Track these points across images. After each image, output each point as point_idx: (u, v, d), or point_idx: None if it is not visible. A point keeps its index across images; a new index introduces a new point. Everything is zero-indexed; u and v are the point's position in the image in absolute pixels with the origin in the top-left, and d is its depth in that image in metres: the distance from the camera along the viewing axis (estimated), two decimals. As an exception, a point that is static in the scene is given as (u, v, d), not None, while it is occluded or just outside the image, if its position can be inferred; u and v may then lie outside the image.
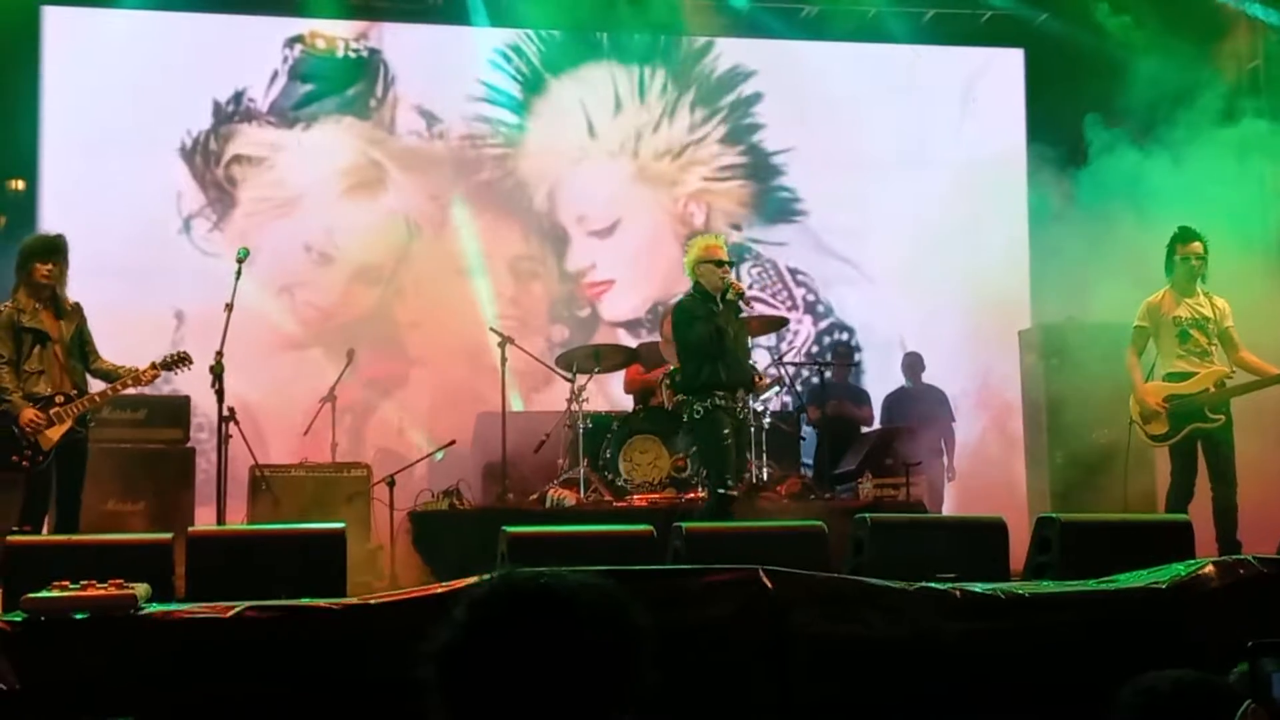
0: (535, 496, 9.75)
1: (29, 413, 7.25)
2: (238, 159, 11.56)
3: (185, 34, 11.53)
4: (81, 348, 7.57)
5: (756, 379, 8.55)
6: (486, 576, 2.10)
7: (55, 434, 7.31)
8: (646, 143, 12.29)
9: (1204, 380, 8.32)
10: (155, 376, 7.62)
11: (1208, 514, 7.88)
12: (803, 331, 12.55)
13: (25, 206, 10.97)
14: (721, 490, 7.99)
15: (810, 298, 12.63)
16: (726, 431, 8.01)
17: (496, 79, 12.01)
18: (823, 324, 12.62)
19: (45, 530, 7.34)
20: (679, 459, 9.73)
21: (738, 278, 9.55)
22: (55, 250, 7.53)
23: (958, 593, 4.92)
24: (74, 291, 7.68)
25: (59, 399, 7.36)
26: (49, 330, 7.43)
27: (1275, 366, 8.44)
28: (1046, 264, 11.48)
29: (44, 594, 4.41)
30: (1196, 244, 8.41)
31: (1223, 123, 10.15)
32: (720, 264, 8.19)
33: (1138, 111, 10.29)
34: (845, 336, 12.62)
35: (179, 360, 7.64)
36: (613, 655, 2.00)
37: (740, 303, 8.21)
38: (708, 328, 8.02)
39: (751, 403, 10.03)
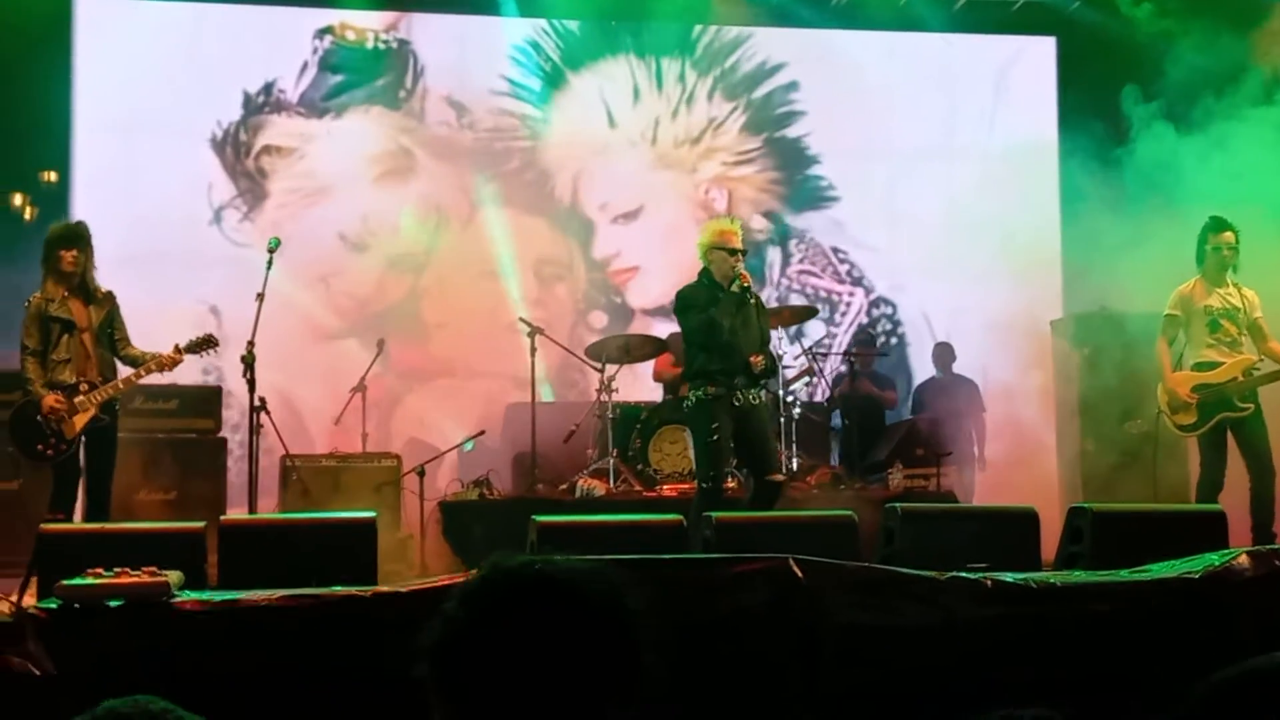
0: (565, 487, 9.76)
1: (50, 400, 7.28)
2: (267, 149, 11.59)
3: (216, 24, 11.57)
4: (111, 336, 7.57)
5: (754, 357, 7.98)
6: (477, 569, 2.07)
7: (80, 421, 7.33)
8: (667, 129, 12.26)
9: (1232, 369, 8.28)
10: (179, 360, 7.57)
11: (1235, 503, 7.82)
12: (855, 304, 12.51)
13: (58, 198, 11.02)
14: (704, 484, 7.85)
15: (857, 273, 12.60)
16: (715, 425, 7.76)
17: (519, 73, 11.99)
18: (873, 296, 12.57)
19: (76, 518, 7.38)
20: (708, 448, 9.71)
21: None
22: (77, 237, 7.53)
23: (989, 582, 4.90)
24: (104, 281, 7.69)
25: (83, 386, 7.38)
26: (76, 318, 7.44)
27: None
28: (1079, 253, 11.41)
29: (78, 581, 4.44)
30: (1228, 234, 8.37)
31: (1261, 107, 10.05)
32: (733, 252, 7.98)
33: (1173, 97, 10.20)
34: (890, 310, 12.56)
35: (204, 343, 7.61)
36: (610, 642, 1.97)
37: (748, 294, 7.96)
38: (702, 317, 7.87)
39: (779, 391, 10.04)
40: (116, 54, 11.31)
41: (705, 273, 8.05)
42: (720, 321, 7.81)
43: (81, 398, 7.35)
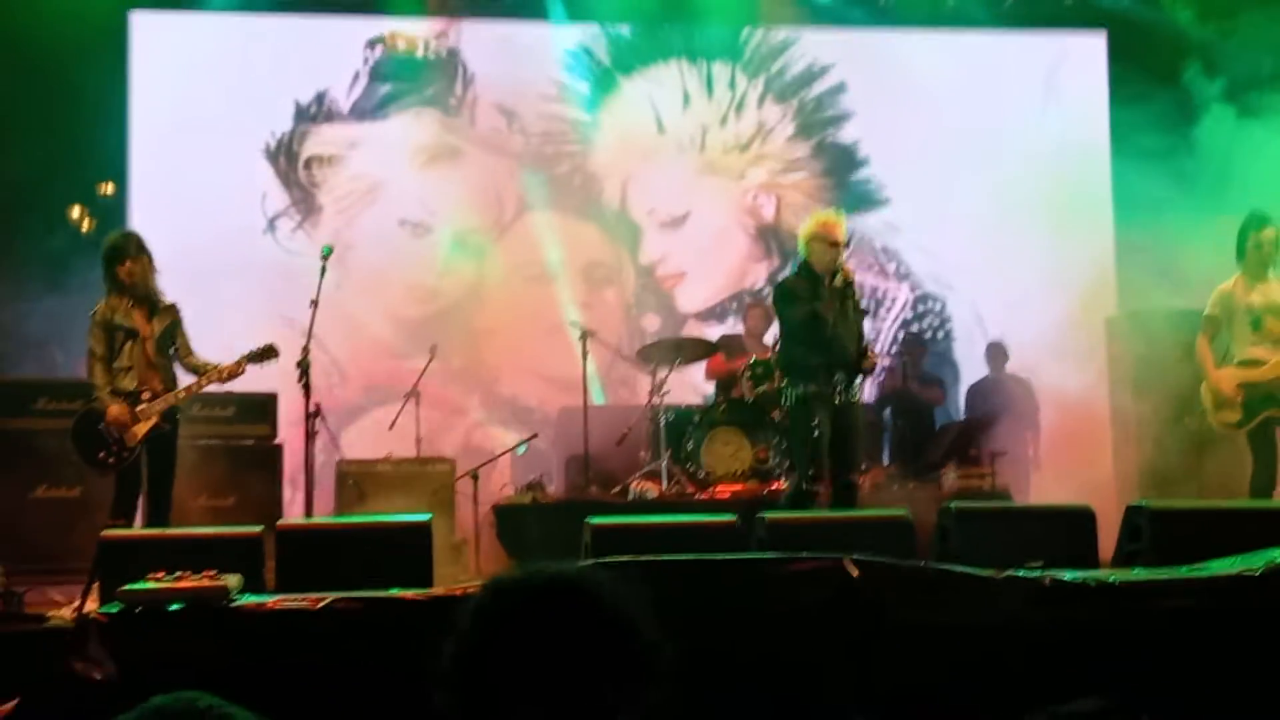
0: (618, 489, 9.78)
1: (114, 409, 7.34)
2: (319, 159, 11.67)
3: (269, 36, 11.69)
4: (173, 345, 7.63)
5: (870, 354, 7.90)
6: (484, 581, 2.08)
7: (141, 430, 7.38)
8: (715, 135, 12.25)
9: (1277, 367, 8.21)
10: (241, 370, 7.59)
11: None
12: (901, 299, 12.47)
13: (115, 209, 11.16)
14: (804, 484, 7.68)
15: (903, 269, 12.55)
16: (816, 421, 7.62)
17: (569, 78, 12.03)
18: (919, 291, 12.52)
19: (136, 524, 7.45)
20: (761, 450, 9.72)
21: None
22: (128, 249, 7.57)
23: (1047, 580, 4.87)
24: (170, 294, 7.75)
25: (145, 395, 7.43)
26: (139, 327, 7.50)
27: None
28: (1133, 250, 11.31)
29: (139, 585, 4.49)
30: (1269, 230, 8.30)
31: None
32: (834, 244, 7.80)
33: (1227, 90, 10.11)
34: (938, 307, 12.49)
35: (265, 353, 7.61)
36: (615, 643, 1.96)
37: (850, 288, 7.84)
38: (805, 309, 7.70)
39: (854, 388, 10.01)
40: (170, 66, 11.45)
41: (804, 265, 7.91)
42: (824, 315, 7.66)
43: (144, 406, 7.41)
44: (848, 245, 7.89)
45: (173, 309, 7.69)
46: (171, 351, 7.63)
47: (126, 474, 7.43)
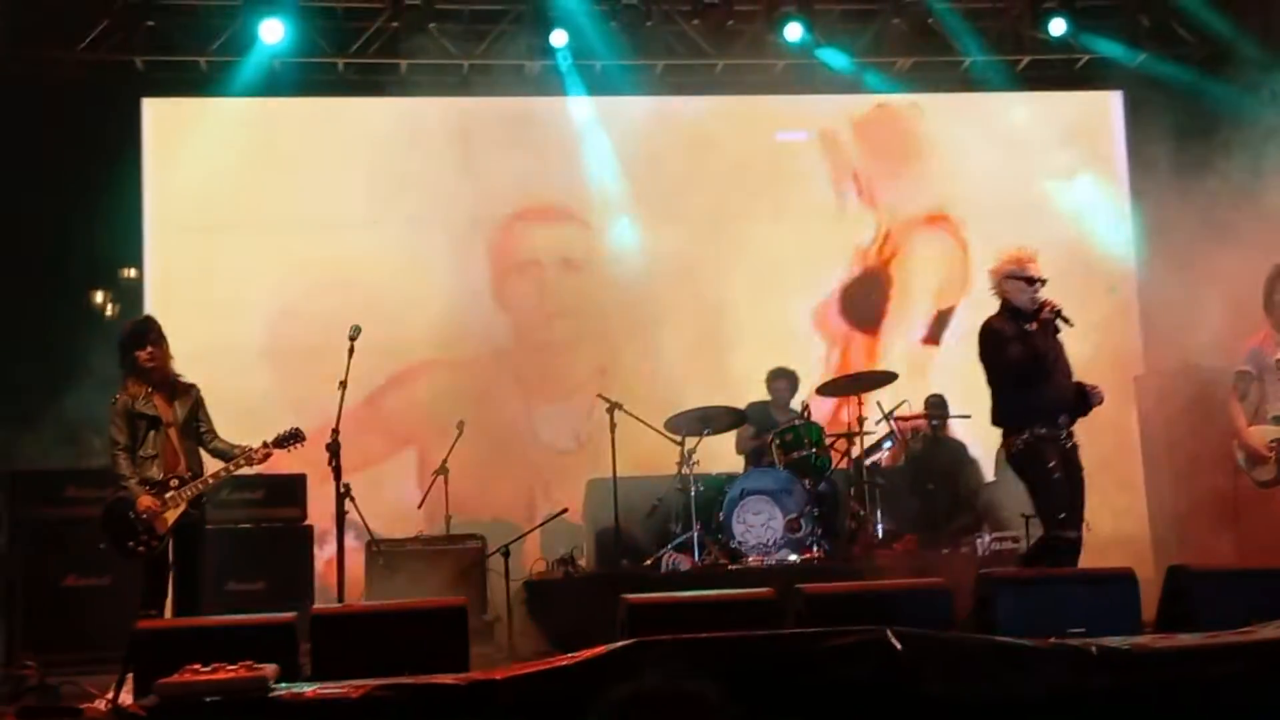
0: (650, 561, 9.72)
1: (145, 500, 7.28)
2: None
3: (283, 119, 11.79)
4: (196, 428, 7.59)
5: (1092, 390, 7.46)
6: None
7: (170, 517, 7.32)
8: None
9: None
10: (268, 455, 7.54)
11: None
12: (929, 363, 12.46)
13: (135, 294, 11.24)
14: (1057, 533, 7.18)
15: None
16: (1053, 464, 7.20)
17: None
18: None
19: (166, 613, 7.41)
20: (793, 519, 9.65)
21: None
22: (145, 334, 7.54)
23: (1093, 648, 4.81)
24: (189, 377, 7.74)
25: (173, 482, 7.37)
26: (161, 414, 7.46)
27: None
28: (1157, 309, 11.28)
29: (176, 678, 4.46)
30: None
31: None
32: (1031, 282, 7.44)
33: (1248, 144, 10.10)
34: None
35: (291, 437, 7.59)
36: None
37: (1060, 322, 7.38)
38: (1023, 350, 7.29)
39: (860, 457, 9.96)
40: (184, 151, 11.55)
41: (1005, 305, 7.53)
42: (1045, 352, 7.31)
43: (172, 494, 7.36)
44: (1044, 281, 7.48)
45: (192, 390, 7.64)
46: (199, 433, 7.60)
47: (157, 562, 7.38)
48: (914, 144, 12.54)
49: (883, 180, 12.48)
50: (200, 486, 7.45)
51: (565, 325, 11.90)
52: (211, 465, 7.64)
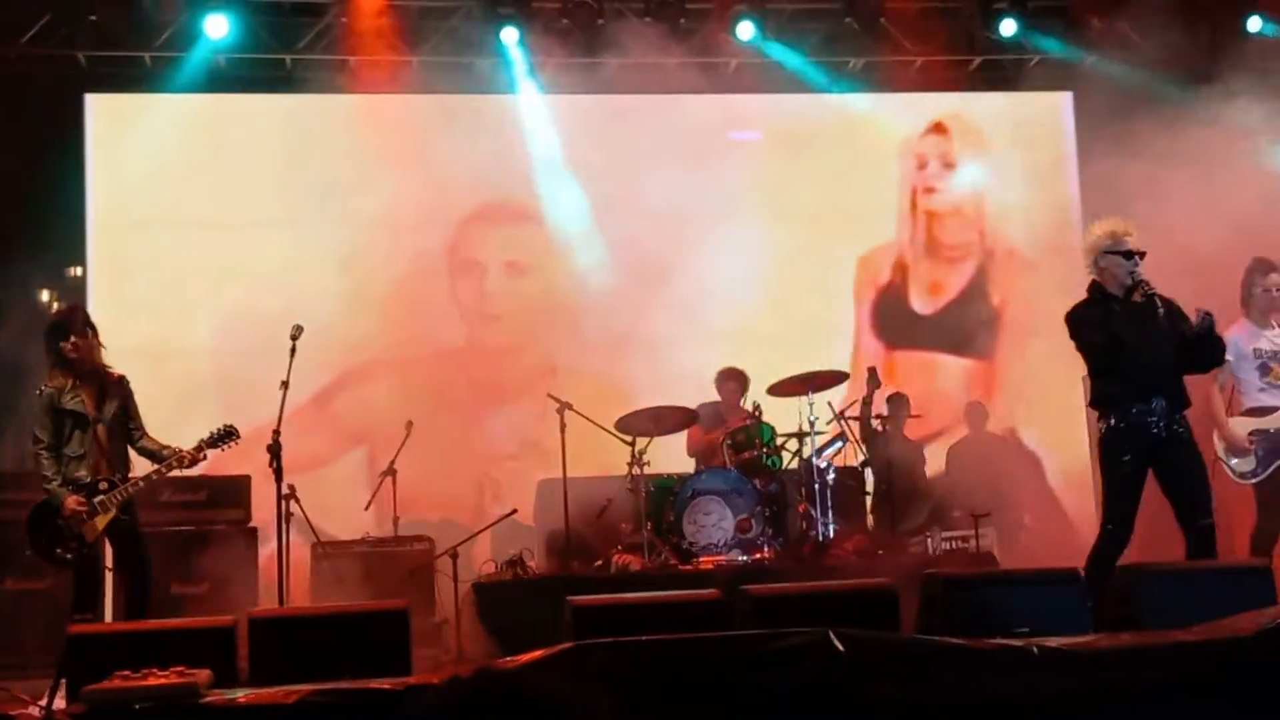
0: (600, 563, 9.67)
1: (72, 503, 7.07)
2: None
3: (230, 116, 11.65)
4: (126, 425, 7.37)
5: (1198, 317, 6.89)
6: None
7: (100, 523, 7.12)
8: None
9: None
10: (201, 457, 7.34)
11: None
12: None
13: (80, 292, 11.10)
14: (1109, 527, 6.94)
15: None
16: (1127, 459, 6.89)
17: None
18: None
19: (107, 616, 7.28)
20: (744, 520, 9.62)
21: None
22: (71, 324, 7.33)
23: (1035, 649, 4.78)
24: (132, 374, 7.54)
25: (103, 485, 7.16)
26: (88, 410, 7.22)
27: None
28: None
29: (106, 685, 4.37)
30: (1276, 275, 8.28)
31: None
32: (1129, 255, 6.98)
33: (1190, 150, 10.13)
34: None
35: (225, 436, 7.38)
36: None
37: (1155, 300, 6.88)
38: (1102, 334, 6.94)
39: (811, 456, 9.93)
40: (128, 146, 11.43)
41: (1095, 286, 7.17)
42: (1124, 338, 6.89)
43: (101, 498, 7.14)
44: (1143, 255, 7.02)
45: (122, 384, 7.41)
46: (128, 431, 7.36)
47: (86, 568, 7.18)
48: (862, 143, 12.52)
49: (830, 179, 12.43)
50: (131, 490, 7.22)
51: (515, 326, 11.84)
52: (140, 465, 7.41)
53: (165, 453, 7.34)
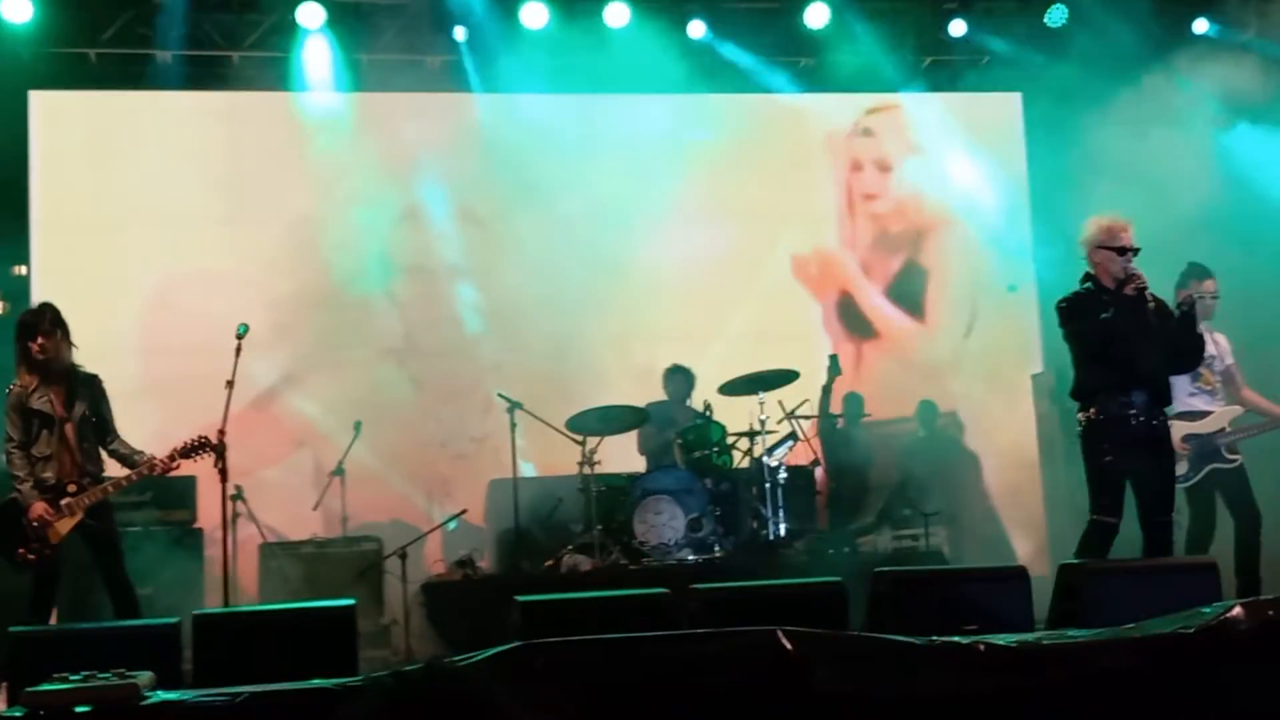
0: (550, 562, 9.65)
1: (38, 508, 7.02)
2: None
3: (175, 113, 11.53)
4: (98, 426, 7.29)
5: (1184, 298, 7.10)
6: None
7: (64, 527, 7.06)
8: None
9: (1220, 420, 8.27)
10: (174, 465, 7.26)
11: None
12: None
13: (24, 291, 10.96)
14: (1093, 517, 7.03)
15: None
16: (1107, 450, 6.99)
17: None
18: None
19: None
20: (694, 519, 9.63)
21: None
22: (39, 323, 7.22)
23: (982, 646, 4.79)
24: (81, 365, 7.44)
25: (70, 488, 7.09)
26: (55, 411, 7.15)
27: (1275, 404, 8.42)
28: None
29: (44, 688, 4.30)
30: (1210, 282, 8.36)
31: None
32: (1123, 251, 7.09)
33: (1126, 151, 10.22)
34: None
35: (199, 446, 7.29)
36: None
37: (1145, 296, 7.06)
38: (1094, 323, 7.03)
39: (762, 455, 9.93)
40: (73, 146, 11.32)
41: (1091, 278, 7.25)
42: (1117, 327, 6.98)
43: (68, 500, 7.08)
44: (1137, 251, 7.15)
45: (93, 383, 7.33)
46: (99, 431, 7.28)
47: (46, 572, 7.12)
48: (811, 146, 12.54)
49: (780, 181, 12.43)
50: (99, 494, 7.14)
51: (462, 327, 11.73)
52: (112, 466, 7.34)
53: (138, 458, 7.26)
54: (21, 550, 7.08)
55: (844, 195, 12.59)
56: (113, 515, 7.36)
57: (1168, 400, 7.26)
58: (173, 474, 7.64)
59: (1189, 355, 7.40)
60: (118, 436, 7.38)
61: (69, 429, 7.19)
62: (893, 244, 12.45)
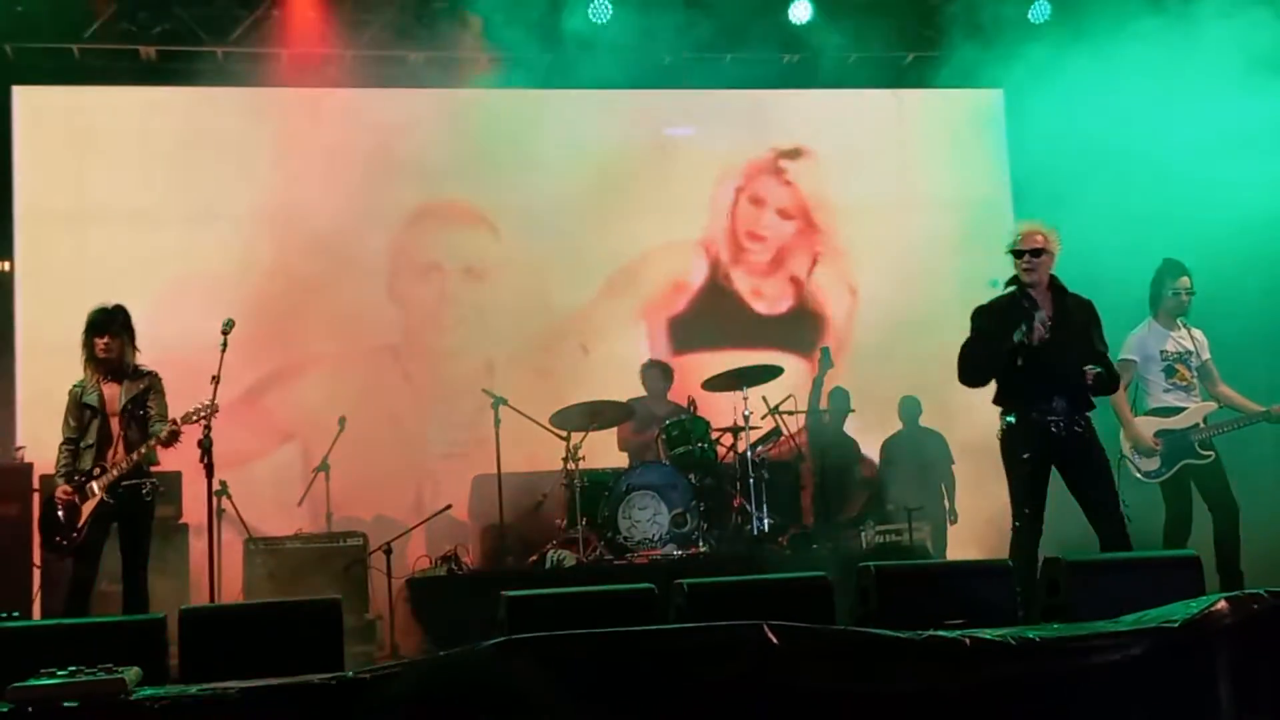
0: (534, 558, 9.65)
1: (59, 491, 7.32)
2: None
3: (159, 109, 11.49)
4: (142, 415, 7.43)
5: (1088, 371, 7.05)
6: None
7: (86, 509, 7.30)
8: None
9: (1194, 415, 8.32)
10: (176, 433, 7.28)
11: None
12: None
13: (6, 286, 10.92)
14: (1017, 523, 7.09)
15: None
16: (1026, 455, 7.03)
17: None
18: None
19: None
20: (679, 514, 9.63)
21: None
22: (109, 323, 7.45)
23: (967, 640, 4.81)
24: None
25: (95, 470, 7.32)
26: (104, 402, 7.40)
27: (1253, 401, 8.46)
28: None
29: (30, 683, 4.29)
30: (1185, 278, 8.42)
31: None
32: (1020, 255, 7.19)
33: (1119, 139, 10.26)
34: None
35: (201, 411, 7.30)
36: None
37: (1023, 302, 7.14)
38: (997, 327, 7.12)
39: (746, 450, 9.95)
40: (56, 141, 11.28)
41: (1011, 280, 7.33)
42: (1011, 338, 7.03)
43: (92, 483, 7.29)
44: (1034, 254, 7.17)
45: (148, 377, 7.54)
46: (144, 419, 7.42)
47: (79, 558, 7.30)
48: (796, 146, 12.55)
49: (766, 178, 12.44)
50: (115, 473, 7.31)
51: (460, 324, 11.70)
52: (165, 457, 7.57)
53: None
54: (58, 538, 7.35)
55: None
56: (146, 514, 7.45)
57: (1089, 404, 7.24)
58: (158, 470, 7.64)
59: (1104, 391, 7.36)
60: (164, 419, 7.42)
61: (115, 421, 7.42)
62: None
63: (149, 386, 7.50)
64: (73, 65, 11.31)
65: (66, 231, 11.14)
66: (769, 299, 12.51)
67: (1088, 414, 7.23)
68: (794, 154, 12.56)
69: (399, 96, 11.79)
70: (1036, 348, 6.98)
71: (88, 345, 7.44)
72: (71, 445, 7.40)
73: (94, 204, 11.19)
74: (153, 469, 7.51)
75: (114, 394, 7.41)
